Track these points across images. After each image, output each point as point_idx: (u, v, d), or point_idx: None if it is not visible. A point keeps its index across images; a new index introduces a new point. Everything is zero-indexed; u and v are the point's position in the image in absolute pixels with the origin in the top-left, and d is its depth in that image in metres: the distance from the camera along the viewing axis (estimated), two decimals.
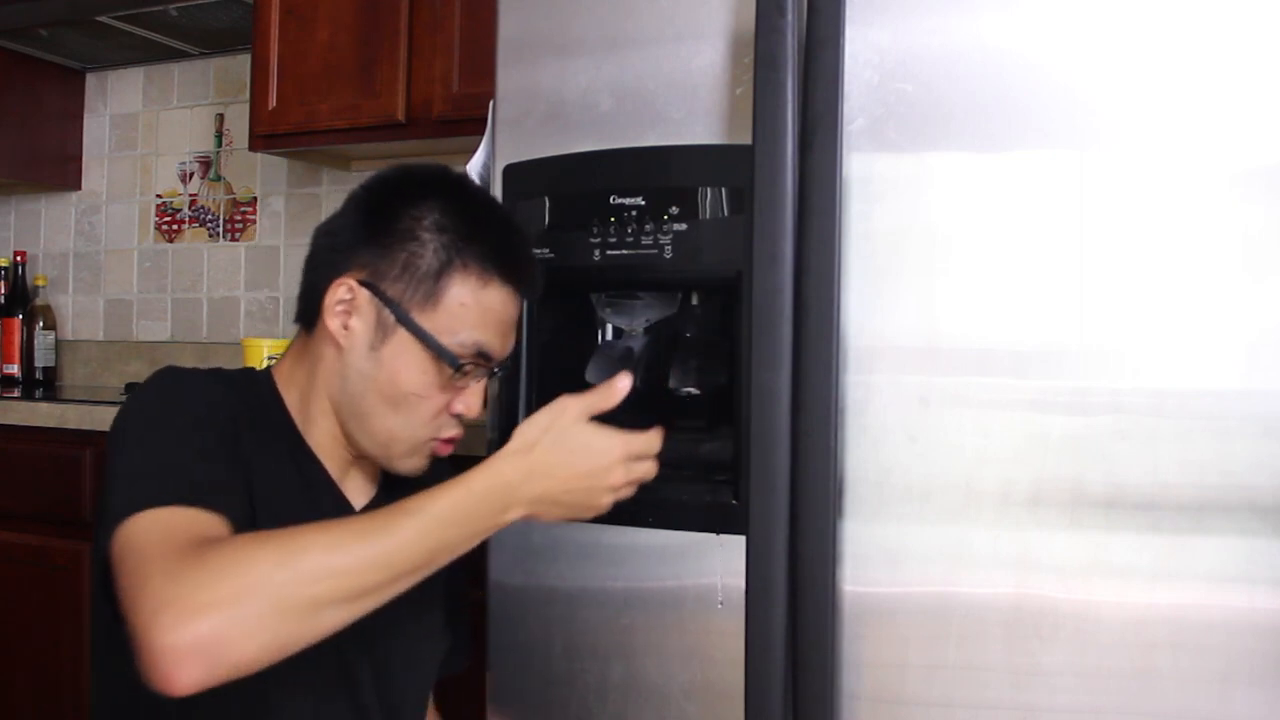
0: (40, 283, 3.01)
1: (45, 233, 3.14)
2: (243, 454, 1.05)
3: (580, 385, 1.36)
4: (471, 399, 1.11)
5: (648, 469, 1.05)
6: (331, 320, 1.09)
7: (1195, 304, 1.03)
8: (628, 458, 1.02)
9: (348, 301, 1.09)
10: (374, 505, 1.17)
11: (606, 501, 1.03)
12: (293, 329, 1.19)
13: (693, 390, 1.33)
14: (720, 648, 1.20)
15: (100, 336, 3.04)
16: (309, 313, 1.13)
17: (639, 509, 1.24)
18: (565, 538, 1.28)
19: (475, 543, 0.98)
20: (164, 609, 0.82)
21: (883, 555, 1.13)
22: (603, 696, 1.26)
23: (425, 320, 1.07)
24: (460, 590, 1.31)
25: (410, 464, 1.13)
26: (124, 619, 0.86)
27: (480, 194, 1.17)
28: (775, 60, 1.12)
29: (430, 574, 1.21)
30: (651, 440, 1.05)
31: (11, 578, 2.18)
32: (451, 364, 1.08)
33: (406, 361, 1.08)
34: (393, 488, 1.20)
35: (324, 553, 0.88)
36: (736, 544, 1.17)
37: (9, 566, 2.19)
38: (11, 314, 2.92)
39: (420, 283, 1.07)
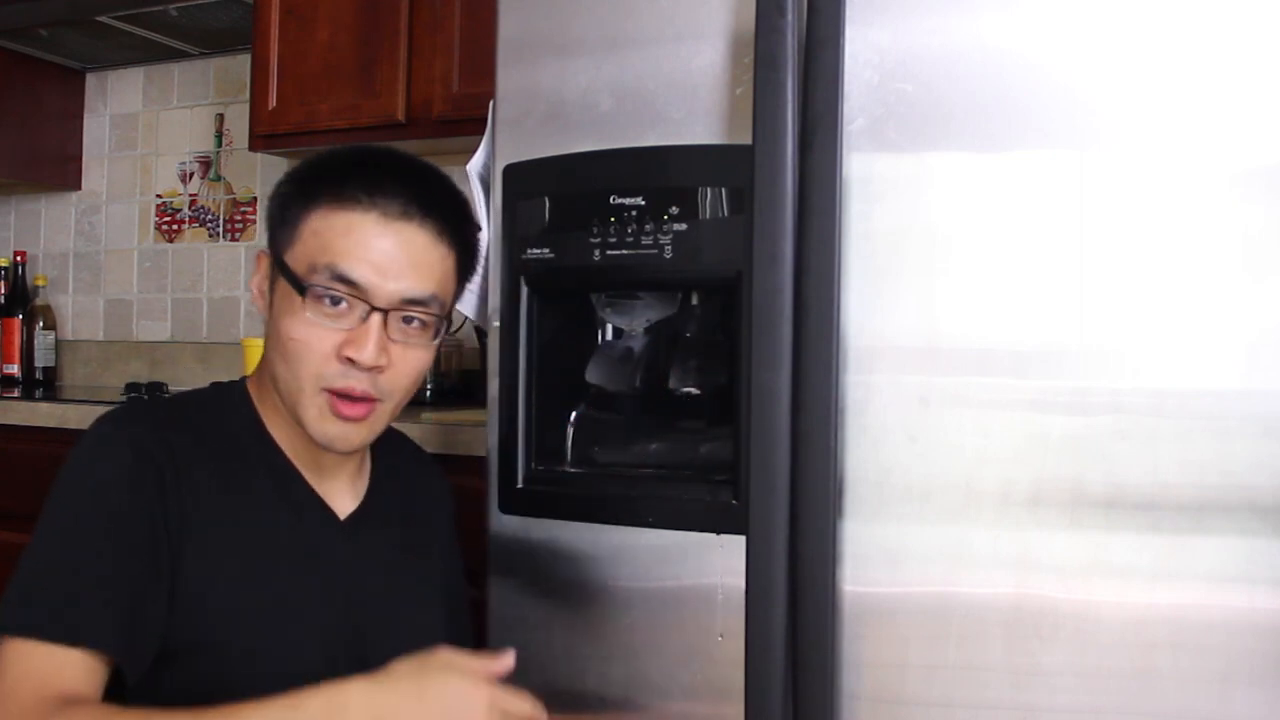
0: (40, 283, 3.01)
1: (45, 233, 3.14)
2: (183, 494, 1.02)
3: (580, 385, 1.36)
4: (356, 342, 1.04)
5: None
6: (256, 295, 1.13)
7: (1195, 304, 1.03)
8: (492, 709, 0.92)
9: (260, 275, 1.13)
10: (362, 511, 1.17)
11: None
12: None
13: (693, 390, 1.33)
14: (720, 648, 1.20)
15: (100, 336, 3.04)
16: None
17: (639, 509, 1.24)
18: (565, 538, 1.28)
19: None
20: None
21: (883, 555, 1.13)
22: (603, 696, 1.26)
23: (289, 257, 1.08)
24: (459, 589, 1.32)
25: (321, 430, 1.07)
26: None
27: (333, 149, 1.15)
28: (775, 60, 1.12)
29: (425, 576, 1.20)
30: (523, 706, 0.95)
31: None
32: (297, 288, 1.04)
33: (283, 306, 1.07)
34: (379, 490, 1.20)
35: None
36: (736, 544, 1.17)
37: (9, 567, 2.19)
38: (11, 314, 2.92)
39: (284, 224, 1.09)
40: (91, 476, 1.02)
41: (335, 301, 1.05)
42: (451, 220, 1.11)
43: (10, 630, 0.95)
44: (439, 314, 1.10)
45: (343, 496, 1.17)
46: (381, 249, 1.05)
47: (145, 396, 2.37)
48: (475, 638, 1.36)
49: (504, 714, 0.93)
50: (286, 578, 1.09)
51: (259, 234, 2.83)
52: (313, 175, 1.10)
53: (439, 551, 1.27)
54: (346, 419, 1.07)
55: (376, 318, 1.05)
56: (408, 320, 1.08)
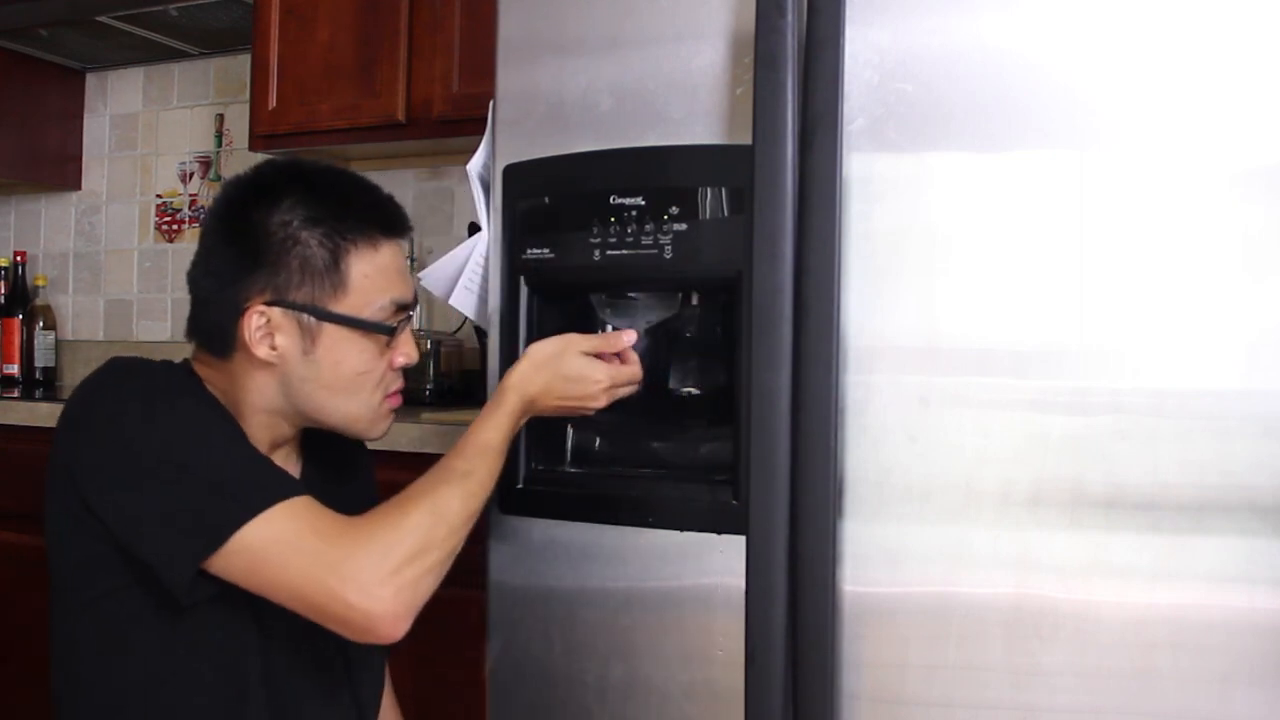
0: (40, 283, 3.01)
1: (45, 233, 3.14)
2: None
3: None
4: (407, 348, 1.18)
5: (630, 389, 1.24)
6: (259, 348, 1.11)
7: (1195, 304, 1.03)
8: (613, 386, 1.21)
9: (265, 326, 1.11)
10: (304, 479, 1.20)
11: (594, 406, 1.22)
12: None
13: (693, 390, 1.33)
14: (720, 648, 1.20)
15: (100, 336, 3.04)
16: (221, 344, 1.14)
17: (639, 509, 1.24)
18: (565, 538, 1.28)
19: None
20: (369, 584, 1.00)
21: (883, 555, 1.13)
22: (603, 696, 1.26)
23: (343, 307, 1.12)
24: None
25: (378, 430, 1.20)
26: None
27: (323, 171, 1.19)
28: (775, 60, 1.12)
29: None
30: (634, 372, 1.24)
31: (12, 578, 2.18)
32: (385, 332, 1.15)
33: (344, 350, 1.13)
34: (314, 461, 1.26)
35: (462, 501, 1.09)
36: (736, 544, 1.17)
37: (9, 566, 2.19)
38: (11, 314, 2.92)
39: (323, 277, 1.11)
40: (165, 394, 1.09)
41: (398, 331, 1.17)
42: None
43: (244, 517, 1.00)
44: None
45: (288, 465, 1.20)
46: (403, 264, 1.19)
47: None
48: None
49: (617, 382, 1.22)
50: None
51: None
52: (329, 216, 1.12)
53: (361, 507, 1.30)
54: (396, 409, 1.22)
55: (410, 320, 1.19)
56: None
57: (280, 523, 1.01)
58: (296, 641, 1.12)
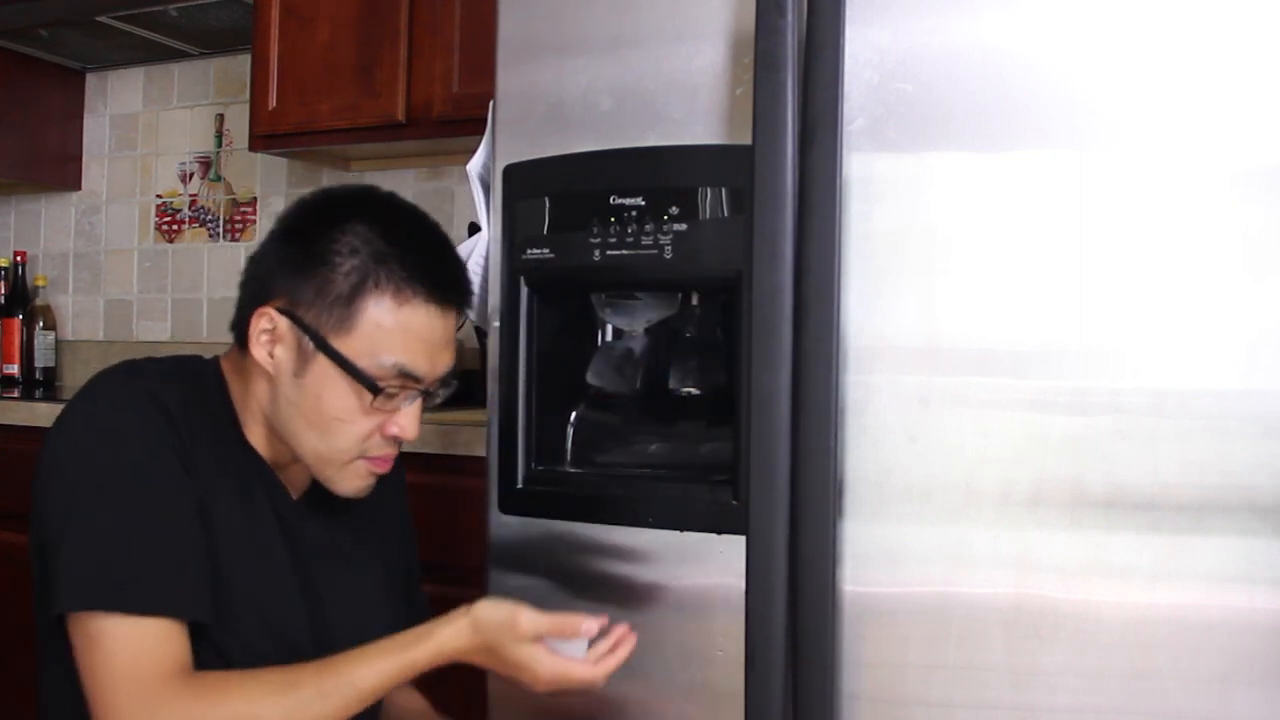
0: (40, 283, 3.01)
1: (45, 233, 3.13)
2: (190, 453, 1.06)
3: (580, 386, 1.36)
4: (405, 421, 1.10)
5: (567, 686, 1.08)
6: (257, 350, 1.08)
7: (1195, 304, 1.03)
8: (551, 687, 1.07)
9: (270, 331, 1.08)
10: (315, 490, 1.17)
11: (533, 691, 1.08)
12: None
13: (693, 390, 1.33)
14: (720, 648, 1.20)
15: (100, 336, 3.03)
16: (240, 336, 1.12)
17: (639, 509, 1.24)
18: (565, 538, 1.28)
19: None
20: None
21: (883, 555, 1.13)
22: (603, 696, 1.26)
23: (342, 345, 1.06)
24: (413, 561, 1.34)
25: (347, 485, 1.12)
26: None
27: (405, 210, 1.14)
28: (775, 60, 1.12)
29: (372, 562, 1.23)
30: (589, 677, 1.07)
31: (11, 578, 2.18)
32: (370, 388, 1.06)
33: (329, 388, 1.07)
34: None
35: (320, 700, 0.99)
36: (736, 544, 1.17)
37: (9, 566, 2.18)
38: (11, 314, 2.92)
39: (334, 306, 1.06)
40: (127, 432, 1.03)
41: (391, 395, 1.08)
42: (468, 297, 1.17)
43: (104, 606, 0.97)
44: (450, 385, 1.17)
45: (297, 478, 1.17)
46: (434, 337, 1.10)
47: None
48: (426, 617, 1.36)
49: (558, 685, 1.06)
50: (242, 544, 1.09)
51: (259, 234, 2.82)
52: (373, 251, 1.07)
53: (393, 530, 1.29)
54: (378, 475, 1.13)
55: (420, 399, 1.11)
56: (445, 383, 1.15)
57: (129, 638, 0.96)
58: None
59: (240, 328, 1.12)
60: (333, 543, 1.19)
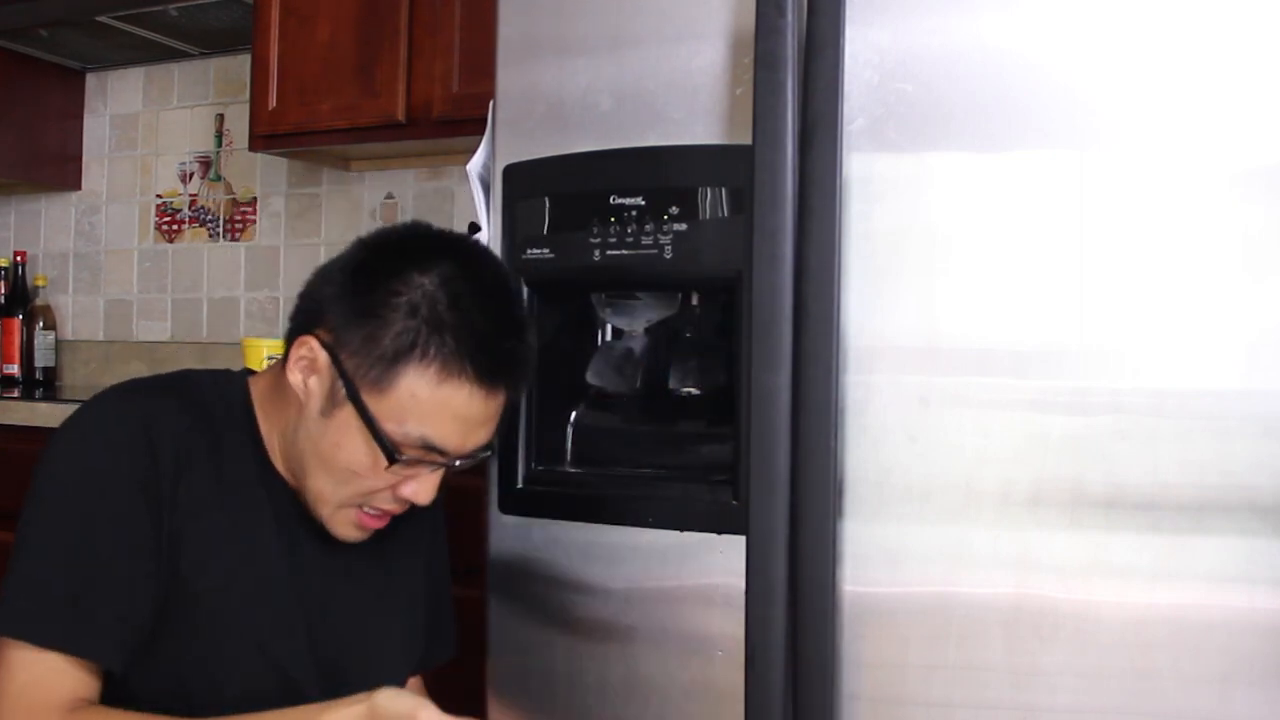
0: (40, 283, 3.01)
1: (45, 233, 3.13)
2: (174, 482, 1.03)
3: (580, 386, 1.36)
4: (421, 488, 1.05)
5: None
6: (293, 375, 1.05)
7: (1195, 304, 1.03)
8: None
9: (309, 360, 1.05)
10: None
11: None
12: None
13: (693, 390, 1.33)
14: (720, 648, 1.20)
15: (100, 336, 3.03)
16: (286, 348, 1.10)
17: (639, 509, 1.24)
18: (565, 538, 1.28)
19: None
20: None
21: (883, 555, 1.13)
22: (603, 696, 1.26)
23: (373, 403, 1.01)
24: (443, 590, 1.30)
25: (335, 529, 1.08)
26: None
27: (484, 273, 1.07)
28: (775, 60, 1.12)
29: (395, 587, 1.20)
30: None
31: None
32: (388, 455, 1.02)
33: (350, 438, 1.03)
34: None
35: None
36: (736, 544, 1.17)
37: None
38: (11, 314, 2.92)
39: (377, 363, 1.01)
40: (86, 463, 1.02)
41: (410, 463, 1.04)
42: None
43: (9, 633, 0.96)
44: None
45: None
46: (471, 415, 1.04)
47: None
48: (457, 645, 1.34)
49: None
50: (252, 571, 1.07)
51: (258, 234, 2.83)
52: (431, 319, 1.01)
53: (417, 554, 1.25)
54: (372, 529, 1.10)
55: (442, 471, 1.06)
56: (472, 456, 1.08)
57: (25, 666, 0.95)
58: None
59: (287, 345, 1.09)
60: (342, 564, 1.15)
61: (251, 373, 1.17)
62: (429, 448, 1.03)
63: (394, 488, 1.06)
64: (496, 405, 1.06)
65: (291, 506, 1.11)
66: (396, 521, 1.14)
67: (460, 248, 1.08)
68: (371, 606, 1.18)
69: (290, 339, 1.08)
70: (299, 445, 1.07)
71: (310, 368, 1.05)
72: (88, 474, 1.02)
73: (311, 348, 1.04)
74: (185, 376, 1.15)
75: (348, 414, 1.03)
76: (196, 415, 1.07)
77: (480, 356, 1.02)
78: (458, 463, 1.06)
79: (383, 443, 1.02)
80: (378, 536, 1.14)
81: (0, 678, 0.96)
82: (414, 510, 1.12)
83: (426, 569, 1.27)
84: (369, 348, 1.01)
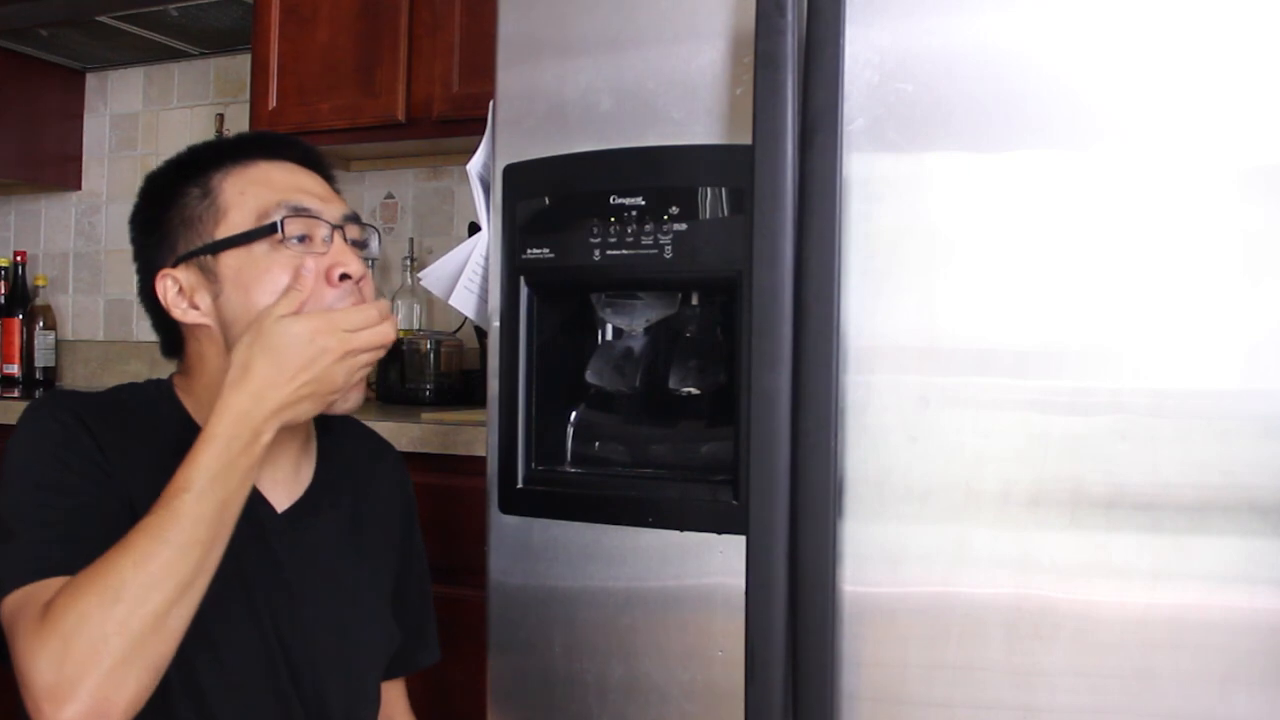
0: (40, 283, 3.01)
1: (45, 233, 3.14)
2: (126, 479, 1.02)
3: (580, 385, 1.36)
4: (337, 255, 1.07)
5: (369, 337, 1.02)
6: (177, 311, 1.08)
7: (1195, 304, 1.03)
8: (333, 330, 1.00)
9: (178, 289, 1.08)
10: (301, 505, 1.13)
11: (343, 378, 1.01)
12: None
13: (693, 390, 1.33)
14: (720, 648, 1.20)
15: (100, 336, 3.04)
16: (169, 342, 1.14)
17: (639, 509, 1.24)
18: (565, 538, 1.28)
19: (251, 478, 0.98)
20: (42, 697, 0.87)
21: (883, 555, 1.13)
22: (603, 696, 1.26)
23: (225, 230, 1.06)
24: (414, 587, 1.30)
25: (346, 397, 1.05)
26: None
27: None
28: (775, 60, 1.12)
29: (368, 576, 1.19)
30: (362, 313, 1.02)
31: None
32: (271, 230, 1.05)
33: (249, 276, 1.05)
34: (324, 483, 1.16)
35: (135, 569, 0.90)
36: (736, 544, 1.17)
37: None
38: (11, 314, 2.92)
39: (203, 214, 1.07)
40: (36, 436, 1.03)
41: (300, 239, 1.06)
42: (325, 168, 1.16)
43: (9, 584, 0.95)
44: (368, 238, 1.14)
45: (283, 488, 1.13)
46: (304, 185, 1.10)
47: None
48: (434, 642, 1.34)
49: (336, 325, 1.00)
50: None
51: None
52: (190, 162, 1.10)
53: (391, 548, 1.25)
54: (368, 368, 1.07)
55: (339, 234, 1.08)
56: (358, 244, 1.12)
57: (16, 605, 0.92)
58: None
59: (165, 336, 1.13)
60: (311, 554, 1.13)
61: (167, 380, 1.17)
62: (294, 209, 1.06)
63: (326, 277, 1.05)
64: (315, 179, 1.12)
65: (251, 501, 1.08)
66: (354, 509, 1.17)
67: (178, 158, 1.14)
68: (340, 596, 1.16)
69: (149, 306, 1.12)
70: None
71: (183, 292, 1.08)
72: (40, 439, 1.02)
73: (169, 276, 1.08)
74: (114, 389, 1.16)
75: (226, 265, 1.06)
76: (124, 414, 1.08)
77: (254, 141, 1.12)
78: (341, 226, 1.08)
79: (261, 230, 1.05)
80: (345, 517, 1.16)
81: (10, 615, 0.94)
82: (376, 498, 1.19)
83: (403, 562, 1.27)
84: (188, 217, 1.08)
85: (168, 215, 1.09)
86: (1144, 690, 1.04)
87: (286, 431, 1.06)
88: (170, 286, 1.08)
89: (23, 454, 1.02)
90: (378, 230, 1.17)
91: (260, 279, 1.05)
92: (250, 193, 1.07)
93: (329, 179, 1.16)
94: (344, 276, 1.06)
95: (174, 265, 1.08)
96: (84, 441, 1.02)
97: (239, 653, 1.07)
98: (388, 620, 1.23)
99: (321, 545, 1.15)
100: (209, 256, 1.07)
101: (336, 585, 1.16)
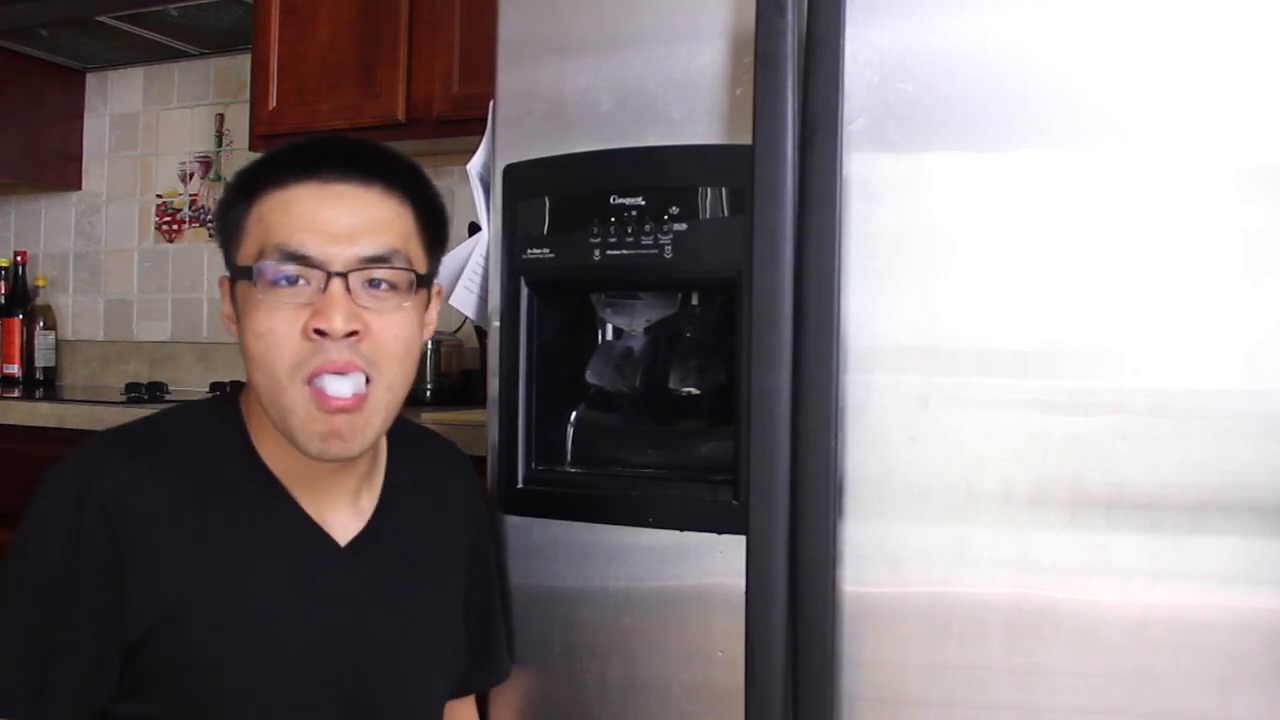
0: (40, 283, 3.01)
1: (45, 233, 3.14)
2: (160, 571, 0.99)
3: (580, 385, 1.36)
4: (324, 309, 0.97)
5: None
6: (229, 326, 1.06)
7: (1195, 304, 1.03)
8: None
9: (225, 300, 1.06)
10: (366, 534, 1.09)
11: None
12: None
13: (693, 390, 1.33)
14: (720, 648, 1.20)
15: (100, 336, 3.04)
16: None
17: (639, 509, 1.24)
18: (565, 538, 1.28)
19: None
20: None
21: (883, 555, 1.13)
22: (603, 696, 1.26)
23: (240, 258, 1.02)
24: (493, 606, 1.27)
25: (310, 431, 0.99)
26: None
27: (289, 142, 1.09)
28: (775, 60, 1.12)
29: (438, 600, 1.16)
30: None
31: None
32: (246, 275, 0.99)
33: (244, 310, 1.01)
34: (391, 505, 1.12)
35: None
36: (736, 544, 1.17)
37: None
38: (11, 314, 2.92)
39: (231, 232, 1.03)
40: (47, 557, 0.99)
41: (291, 281, 0.98)
42: (398, 174, 1.05)
43: None
44: (407, 268, 1.02)
45: (345, 517, 1.09)
46: (329, 216, 0.99)
47: (144, 396, 2.37)
48: (499, 663, 1.30)
49: None
50: (270, 614, 1.02)
51: None
52: (250, 173, 1.04)
53: (458, 570, 1.20)
54: (334, 409, 0.98)
55: (336, 283, 0.98)
56: (374, 284, 1.00)
57: None
58: None
59: None
60: (379, 585, 1.09)
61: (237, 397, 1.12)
62: (289, 255, 0.98)
63: (305, 331, 0.98)
64: (354, 195, 1.01)
65: (309, 537, 1.06)
66: (422, 527, 1.13)
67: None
68: (407, 627, 1.12)
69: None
70: (249, 378, 1.03)
71: (227, 302, 1.06)
72: (48, 568, 0.98)
73: (224, 281, 1.06)
74: (173, 414, 1.11)
75: (238, 293, 1.02)
76: (171, 457, 1.03)
77: (288, 155, 1.03)
78: (352, 276, 0.99)
79: (240, 272, 1.00)
80: (412, 543, 1.12)
81: None
82: (445, 511, 1.15)
83: (472, 582, 1.22)
84: (228, 230, 1.04)
85: (226, 221, 1.05)
86: (1144, 690, 1.04)
87: (342, 466, 1.05)
88: (225, 293, 1.07)
89: (22, 548, 0.99)
90: (409, 268, 1.03)
91: (248, 317, 1.00)
92: (264, 223, 1.00)
93: (390, 179, 1.04)
94: (319, 332, 0.98)
95: (229, 273, 1.06)
96: (97, 540, 0.97)
97: (299, 690, 1.04)
98: (454, 644, 1.19)
99: (384, 573, 1.10)
100: (230, 280, 1.05)
101: (400, 613, 1.11)
